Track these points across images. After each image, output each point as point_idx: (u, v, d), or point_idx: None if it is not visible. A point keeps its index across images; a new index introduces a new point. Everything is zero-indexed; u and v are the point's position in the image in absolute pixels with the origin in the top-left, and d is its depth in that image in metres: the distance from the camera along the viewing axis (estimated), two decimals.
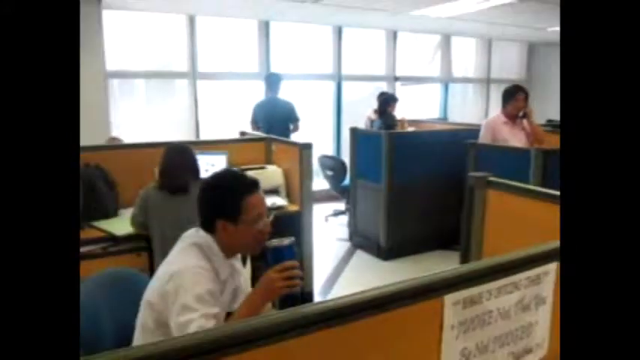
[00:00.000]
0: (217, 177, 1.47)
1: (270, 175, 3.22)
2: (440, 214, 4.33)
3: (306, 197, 3.09)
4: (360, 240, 4.54)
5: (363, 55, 6.91)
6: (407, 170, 4.19)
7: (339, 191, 5.02)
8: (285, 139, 3.82)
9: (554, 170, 2.86)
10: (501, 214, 1.83)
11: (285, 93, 5.07)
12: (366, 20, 6.12)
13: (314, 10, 5.22)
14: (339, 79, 6.77)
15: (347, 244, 4.65)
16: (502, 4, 4.89)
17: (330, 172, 4.98)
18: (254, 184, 1.45)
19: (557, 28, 6.56)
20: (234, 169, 2.24)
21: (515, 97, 3.63)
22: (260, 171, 3.19)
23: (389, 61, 7.19)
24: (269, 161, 3.47)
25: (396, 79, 7.29)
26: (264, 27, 6.10)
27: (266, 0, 4.71)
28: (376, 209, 4.25)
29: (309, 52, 6.44)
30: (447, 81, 7.93)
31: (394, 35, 7.13)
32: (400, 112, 5.58)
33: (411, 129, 5.30)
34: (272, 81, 4.97)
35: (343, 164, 4.95)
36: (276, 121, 4.73)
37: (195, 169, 2.48)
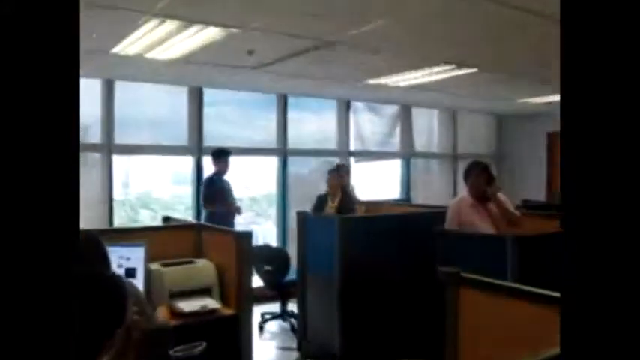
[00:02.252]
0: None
1: (200, 271, 3.15)
2: (405, 313, 4.30)
3: (245, 298, 3.04)
4: (310, 348, 4.50)
5: (312, 127, 7.27)
6: (365, 262, 4.17)
7: (278, 289, 5.04)
8: (215, 225, 3.86)
9: (534, 259, 2.85)
10: (478, 315, 1.83)
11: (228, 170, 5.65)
12: (315, 88, 6.36)
13: (253, 77, 5.38)
14: (284, 154, 6.96)
15: (294, 354, 4.60)
16: (464, 74, 5.08)
17: (268, 267, 4.98)
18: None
19: (527, 99, 6.90)
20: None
21: (472, 174, 3.66)
22: (188, 266, 3.13)
23: (341, 133, 7.45)
24: (199, 253, 3.38)
25: (350, 154, 7.52)
26: (197, 94, 6.24)
27: (197, 66, 4.82)
28: (329, 310, 4.20)
29: (248, 123, 6.76)
30: (408, 156, 8.14)
31: (347, 105, 7.42)
32: (357, 189, 5.85)
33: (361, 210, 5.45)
34: (221, 157, 5.65)
35: (286, 257, 5.02)
36: (228, 196, 5.58)
37: (104, 264, 2.45)
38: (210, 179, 5.56)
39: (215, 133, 6.37)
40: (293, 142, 6.98)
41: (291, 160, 7.04)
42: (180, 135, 6.22)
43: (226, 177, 5.69)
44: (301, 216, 4.54)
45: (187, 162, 6.23)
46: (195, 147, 6.20)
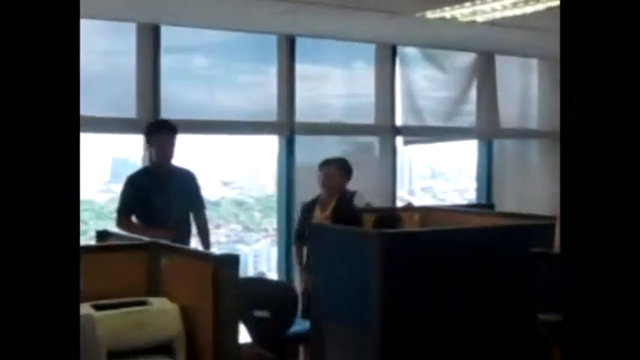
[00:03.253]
0: None
1: (156, 317, 3.13)
2: None
3: None
4: None
5: (334, 88, 7.30)
6: (421, 305, 4.17)
7: (278, 348, 4.97)
8: (183, 246, 3.95)
9: None
10: None
11: (186, 155, 5.60)
12: (339, 26, 6.44)
13: (240, 6, 5.52)
14: (289, 132, 7.07)
15: None
16: None
17: (262, 312, 4.95)
18: None
19: None
20: None
21: None
22: (137, 310, 3.10)
23: (381, 98, 7.45)
24: (155, 289, 3.36)
25: (396, 131, 7.60)
26: (150, 34, 6.35)
27: None
28: None
29: (232, 81, 6.85)
30: (489, 135, 8.19)
31: (392, 53, 7.49)
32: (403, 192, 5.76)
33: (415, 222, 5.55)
34: (159, 135, 5.42)
35: (292, 295, 5.08)
36: (169, 209, 5.27)
37: None
38: (131, 177, 5.59)
39: (178, 99, 6.49)
40: (304, 112, 7.06)
41: (300, 141, 7.13)
42: (124, 102, 6.31)
43: (175, 167, 5.68)
44: (316, 229, 4.64)
45: (136, 143, 6.29)
46: (148, 119, 6.20)
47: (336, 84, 7.50)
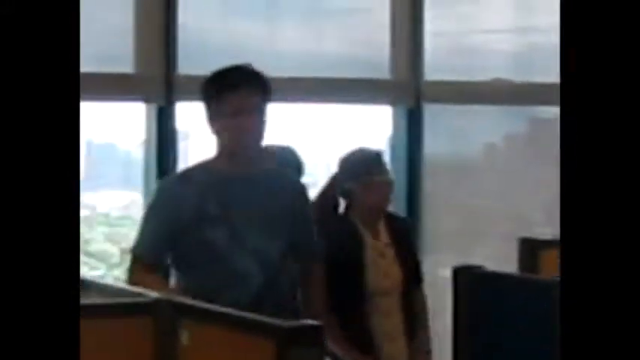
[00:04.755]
0: None
1: None
2: None
3: None
4: None
5: (497, 20, 5.73)
6: None
7: None
8: (221, 309, 2.51)
9: None
10: None
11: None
12: None
13: None
14: (415, 98, 5.41)
15: None
16: None
17: None
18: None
19: None
20: None
21: None
22: None
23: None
24: None
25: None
26: None
27: None
28: None
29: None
30: None
31: None
32: None
33: None
34: (236, 97, 3.52)
35: None
36: (252, 253, 3.39)
37: None
38: (168, 187, 3.75)
39: (207, 39, 5.18)
40: (438, 65, 5.46)
41: (433, 113, 5.53)
42: (111, 45, 5.01)
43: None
44: (466, 276, 3.46)
45: (138, 115, 5.02)
46: (156, 75, 4.83)
47: (500, 9, 5.77)
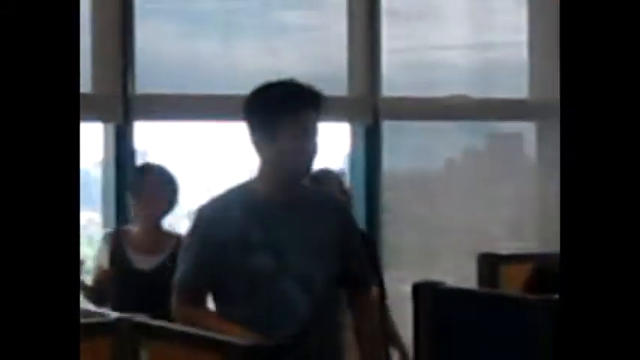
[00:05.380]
0: None
1: None
2: None
3: None
4: None
5: (455, 34, 5.80)
6: None
7: None
8: (179, 327, 2.77)
9: None
10: None
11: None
12: None
13: None
14: (372, 115, 5.42)
15: None
16: None
17: None
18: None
19: None
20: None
21: None
22: None
23: (546, 51, 5.52)
24: None
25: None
26: None
27: None
28: None
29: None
30: None
31: None
32: None
33: None
34: (295, 116, 3.35)
35: None
36: (300, 279, 3.20)
37: None
38: (209, 214, 3.42)
39: (167, 58, 5.10)
40: (395, 81, 5.49)
41: (392, 130, 5.59)
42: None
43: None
44: (427, 291, 3.41)
45: (95, 134, 4.96)
46: (112, 94, 4.80)
47: (458, 25, 5.83)
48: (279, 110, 2.98)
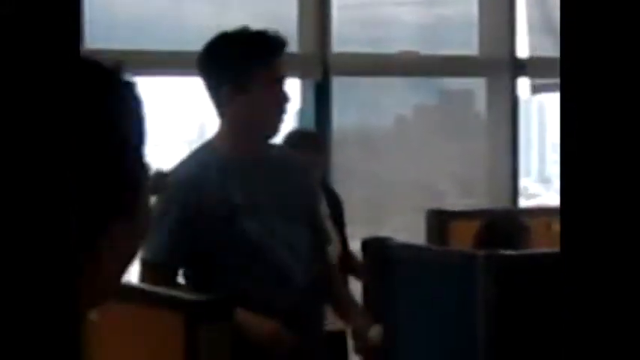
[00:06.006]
0: None
1: None
2: None
3: None
4: None
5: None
6: None
7: None
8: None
9: None
10: None
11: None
12: None
13: None
14: (322, 72, 5.52)
15: None
16: None
17: None
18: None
19: None
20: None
21: None
22: None
23: (494, 11, 5.76)
24: None
25: (521, 67, 5.83)
26: None
27: None
28: None
29: None
30: None
31: None
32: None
33: None
34: (268, 63, 3.30)
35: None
36: (290, 248, 3.14)
37: None
38: (181, 178, 3.21)
39: (112, 12, 5.16)
40: (345, 37, 5.59)
41: (342, 86, 5.63)
42: None
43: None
44: (375, 247, 3.57)
45: None
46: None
47: None
48: (253, 58, 2.82)
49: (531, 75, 5.58)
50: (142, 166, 1.14)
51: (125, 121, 1.10)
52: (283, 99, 2.80)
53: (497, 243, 3.62)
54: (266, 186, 2.87)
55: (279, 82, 2.79)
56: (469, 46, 5.50)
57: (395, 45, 5.70)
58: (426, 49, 5.75)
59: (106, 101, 1.09)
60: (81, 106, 1.10)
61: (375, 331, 3.26)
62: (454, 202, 5.33)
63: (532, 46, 5.67)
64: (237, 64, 2.76)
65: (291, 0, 5.49)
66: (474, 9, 5.76)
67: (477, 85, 6.08)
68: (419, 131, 6.07)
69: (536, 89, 5.80)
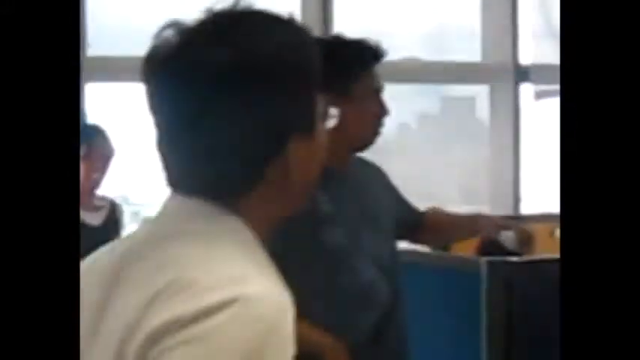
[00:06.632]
0: None
1: None
2: None
3: None
4: None
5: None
6: None
7: None
8: None
9: None
10: None
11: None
12: None
13: None
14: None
15: None
16: None
17: None
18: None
19: None
20: None
21: None
22: None
23: (495, 19, 5.74)
24: None
25: (523, 74, 5.77)
26: None
27: None
28: None
29: None
30: None
31: None
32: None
33: None
34: (362, 74, 3.08)
35: None
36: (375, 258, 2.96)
37: None
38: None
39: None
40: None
41: None
42: None
43: None
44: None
45: None
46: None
47: None
48: (361, 66, 2.64)
49: (534, 81, 5.53)
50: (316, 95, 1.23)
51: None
52: (382, 111, 2.64)
53: (499, 249, 3.43)
54: (351, 197, 2.71)
55: (377, 92, 2.61)
56: (472, 53, 5.49)
57: (398, 52, 5.49)
58: (428, 56, 5.74)
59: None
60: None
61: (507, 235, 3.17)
62: (457, 209, 5.10)
63: (535, 53, 5.56)
64: (339, 74, 2.51)
65: (292, 7, 5.24)
66: (476, 16, 5.77)
67: (480, 91, 6.10)
68: (422, 138, 6.06)
69: (539, 95, 5.78)
